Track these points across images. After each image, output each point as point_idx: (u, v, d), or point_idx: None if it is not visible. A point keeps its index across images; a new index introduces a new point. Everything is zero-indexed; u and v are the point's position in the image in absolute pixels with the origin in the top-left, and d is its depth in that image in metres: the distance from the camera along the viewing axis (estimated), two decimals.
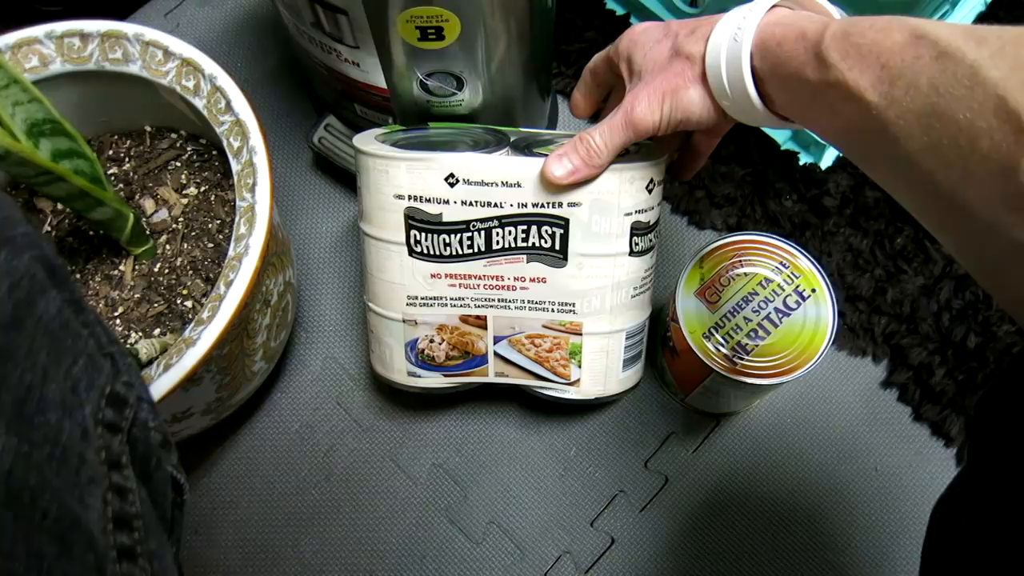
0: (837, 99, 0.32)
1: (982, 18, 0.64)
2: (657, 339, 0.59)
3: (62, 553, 0.23)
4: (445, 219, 0.47)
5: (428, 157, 0.45)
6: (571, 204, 0.45)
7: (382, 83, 0.54)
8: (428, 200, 0.46)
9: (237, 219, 0.45)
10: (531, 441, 0.59)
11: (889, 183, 0.33)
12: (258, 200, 0.45)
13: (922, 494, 0.57)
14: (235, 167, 0.46)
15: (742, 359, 0.49)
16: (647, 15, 0.64)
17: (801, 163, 0.60)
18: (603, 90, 0.49)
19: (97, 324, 0.29)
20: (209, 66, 0.49)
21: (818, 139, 0.56)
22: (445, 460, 0.58)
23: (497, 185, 0.45)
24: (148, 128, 0.57)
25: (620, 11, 0.67)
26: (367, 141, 0.48)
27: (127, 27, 0.50)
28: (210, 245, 0.52)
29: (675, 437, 0.58)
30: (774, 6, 0.37)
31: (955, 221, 0.29)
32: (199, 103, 0.49)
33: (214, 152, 0.55)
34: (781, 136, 0.59)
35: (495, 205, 0.46)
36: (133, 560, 0.26)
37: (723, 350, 0.49)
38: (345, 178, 0.65)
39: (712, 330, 0.50)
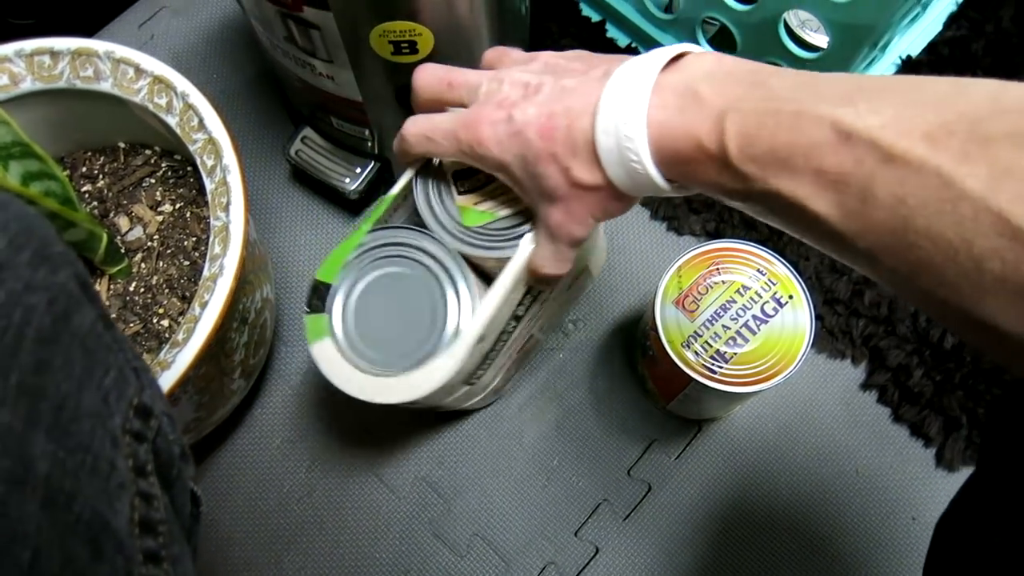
0: (776, 208, 0.28)
1: (954, 18, 0.65)
2: (637, 347, 0.59)
3: (94, 555, 0.24)
4: None
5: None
6: None
7: (358, 96, 0.53)
8: None
9: (212, 239, 0.45)
10: (514, 452, 0.59)
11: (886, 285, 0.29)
12: (232, 219, 0.44)
13: (903, 494, 0.57)
14: (209, 186, 0.46)
15: (721, 367, 0.49)
16: (622, 21, 0.64)
17: None
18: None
19: (124, 340, 0.30)
20: (181, 83, 0.48)
21: None
22: (428, 473, 0.58)
23: None
24: (122, 145, 0.56)
25: (596, 17, 0.67)
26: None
27: (98, 44, 0.50)
28: (186, 263, 0.52)
29: (657, 444, 0.59)
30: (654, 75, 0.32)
31: (980, 337, 0.25)
32: (172, 121, 0.48)
33: (189, 168, 0.55)
34: None
35: None
36: (158, 563, 0.27)
37: (702, 359, 0.49)
38: (323, 190, 0.65)
39: (691, 339, 0.50)
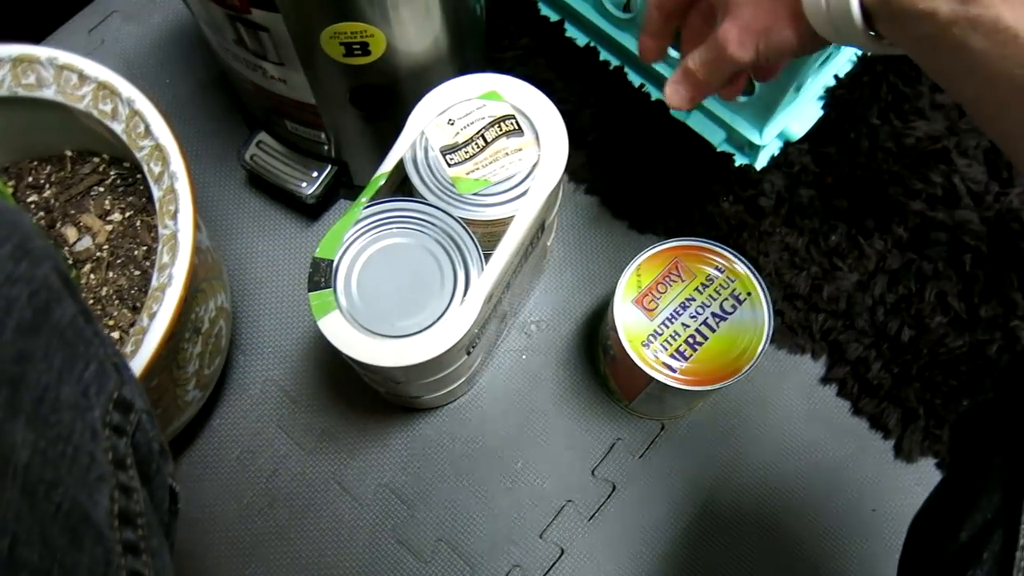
0: (982, 42, 0.26)
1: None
2: (599, 347, 0.59)
3: (73, 545, 0.24)
4: None
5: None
6: None
7: (311, 99, 0.53)
8: None
9: (160, 248, 0.44)
10: (477, 456, 0.58)
11: None
12: (180, 228, 0.43)
13: (863, 486, 0.58)
14: (156, 193, 0.45)
15: (682, 365, 0.49)
16: (581, 21, 0.63)
17: (736, 164, 0.60)
18: (672, 24, 0.44)
19: (104, 335, 0.30)
20: (126, 89, 0.47)
21: (752, 140, 0.57)
22: (391, 480, 0.57)
23: None
24: (69, 153, 0.55)
25: (554, 17, 0.66)
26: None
27: (40, 51, 0.48)
28: (137, 273, 0.51)
29: (621, 444, 0.59)
30: None
31: None
32: (117, 128, 0.47)
33: (138, 176, 0.54)
34: (716, 138, 0.60)
35: None
36: (137, 555, 0.28)
37: (662, 357, 0.49)
38: (279, 195, 0.64)
39: (651, 338, 0.50)
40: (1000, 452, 0.30)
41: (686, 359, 0.49)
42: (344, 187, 0.64)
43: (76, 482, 0.25)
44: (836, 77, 0.59)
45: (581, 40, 0.65)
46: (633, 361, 0.49)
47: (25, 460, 0.23)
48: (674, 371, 0.49)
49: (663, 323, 0.50)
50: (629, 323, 0.50)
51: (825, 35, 0.33)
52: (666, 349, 0.49)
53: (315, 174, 0.60)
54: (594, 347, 0.61)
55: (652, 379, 0.49)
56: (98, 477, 0.27)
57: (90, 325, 0.29)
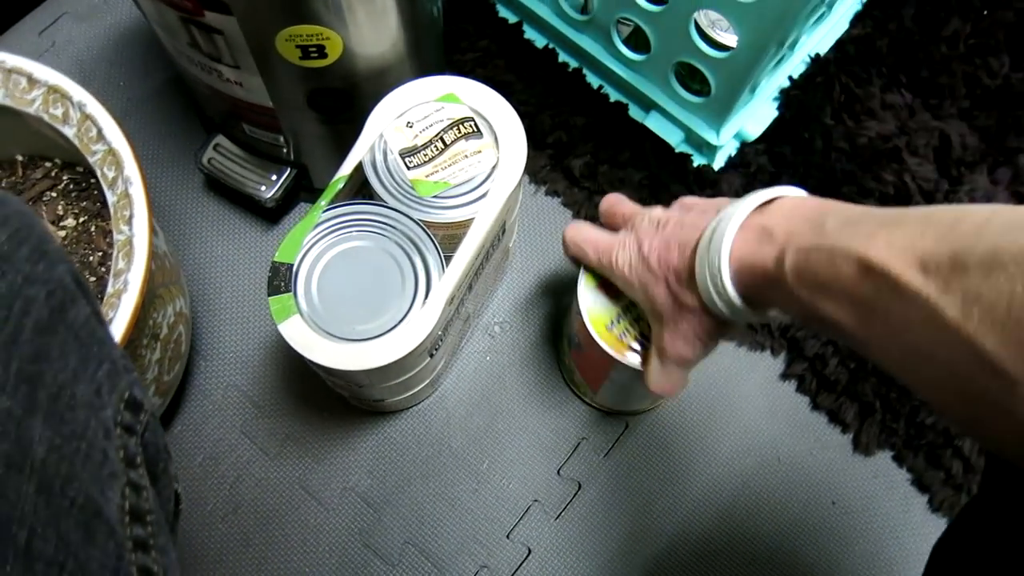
0: (824, 325, 0.33)
1: (859, 17, 0.67)
2: (563, 342, 0.59)
3: (86, 539, 0.25)
4: None
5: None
6: None
7: (268, 102, 0.52)
8: None
9: (115, 253, 0.43)
10: (442, 458, 0.58)
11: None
12: (136, 233, 0.43)
13: (822, 479, 0.59)
14: (111, 199, 0.44)
15: (646, 347, 0.49)
16: (540, 23, 0.64)
17: (695, 165, 0.61)
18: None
19: (113, 337, 0.31)
20: (77, 93, 0.46)
21: (709, 141, 0.58)
22: (356, 483, 0.57)
23: None
24: (20, 157, 0.54)
25: (513, 19, 0.67)
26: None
27: None
28: (92, 279, 0.50)
29: (586, 443, 0.59)
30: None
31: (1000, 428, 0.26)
32: (69, 132, 0.46)
33: (92, 180, 0.53)
34: (675, 139, 0.61)
35: None
36: (147, 551, 0.29)
37: (626, 340, 0.50)
38: (238, 199, 0.63)
39: (615, 321, 0.50)
40: None
41: (650, 342, 0.49)
42: (304, 190, 0.63)
43: (90, 478, 0.26)
44: (790, 78, 0.60)
45: (540, 42, 0.65)
46: (597, 342, 0.49)
47: (42, 456, 0.24)
48: (638, 353, 0.49)
49: (628, 305, 0.50)
50: (593, 308, 0.50)
51: (737, 320, 0.40)
52: (630, 332, 0.50)
53: (274, 177, 0.60)
54: (558, 345, 0.61)
55: (616, 362, 0.49)
56: (110, 474, 0.27)
57: (102, 326, 0.30)
